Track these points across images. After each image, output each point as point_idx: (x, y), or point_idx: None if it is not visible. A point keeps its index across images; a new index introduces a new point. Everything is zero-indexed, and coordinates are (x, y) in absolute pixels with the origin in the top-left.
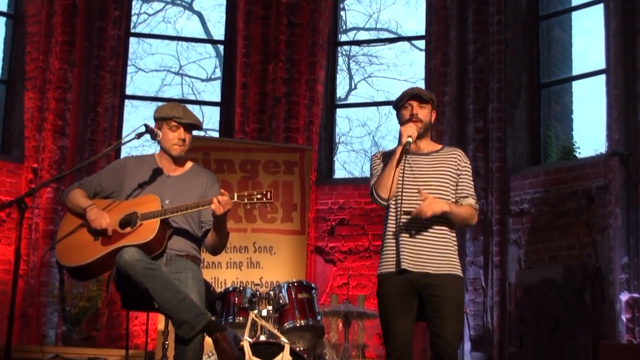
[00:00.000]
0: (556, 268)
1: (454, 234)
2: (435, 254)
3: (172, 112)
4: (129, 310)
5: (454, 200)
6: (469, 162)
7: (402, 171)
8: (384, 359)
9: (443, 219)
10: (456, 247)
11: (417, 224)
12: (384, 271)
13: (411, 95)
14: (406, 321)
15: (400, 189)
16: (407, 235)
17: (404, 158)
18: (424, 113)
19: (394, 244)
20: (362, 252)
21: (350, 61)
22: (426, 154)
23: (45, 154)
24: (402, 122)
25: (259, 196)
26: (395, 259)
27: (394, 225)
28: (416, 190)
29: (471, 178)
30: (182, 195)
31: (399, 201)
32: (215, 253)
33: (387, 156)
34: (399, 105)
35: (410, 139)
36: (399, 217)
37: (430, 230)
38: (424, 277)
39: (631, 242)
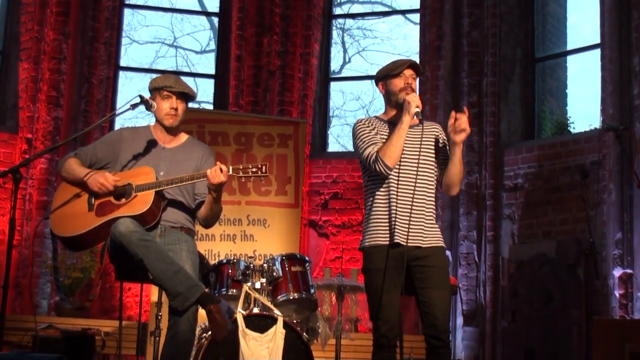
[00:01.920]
0: (549, 243)
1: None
2: (425, 227)
3: (164, 82)
4: (123, 281)
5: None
6: None
7: (418, 143)
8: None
9: (432, 192)
10: None
11: (410, 198)
12: (373, 243)
13: (409, 64)
14: (395, 295)
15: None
16: (401, 208)
17: (423, 125)
18: (415, 85)
19: (386, 216)
20: (356, 225)
21: (345, 34)
22: (410, 127)
23: (39, 124)
24: (394, 90)
25: (254, 169)
26: (388, 232)
27: (386, 198)
28: (410, 164)
29: None
30: (178, 168)
31: (397, 173)
32: (207, 226)
33: (375, 124)
34: (393, 73)
35: (418, 109)
36: (393, 189)
37: (422, 204)
38: (415, 250)
39: (625, 218)
